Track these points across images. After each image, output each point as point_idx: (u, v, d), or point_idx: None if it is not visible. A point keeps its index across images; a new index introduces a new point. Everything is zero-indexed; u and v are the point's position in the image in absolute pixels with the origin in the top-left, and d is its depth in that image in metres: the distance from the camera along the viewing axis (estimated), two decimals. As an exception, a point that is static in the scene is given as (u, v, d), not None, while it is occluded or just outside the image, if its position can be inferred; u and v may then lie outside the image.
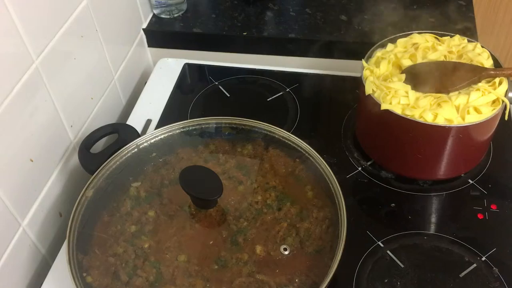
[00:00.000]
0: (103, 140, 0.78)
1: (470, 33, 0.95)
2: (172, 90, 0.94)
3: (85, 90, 0.81)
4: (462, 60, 0.72)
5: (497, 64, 0.72)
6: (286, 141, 0.71)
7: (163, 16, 1.04)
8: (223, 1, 1.08)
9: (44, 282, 0.68)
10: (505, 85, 0.67)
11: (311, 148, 0.68)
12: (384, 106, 0.67)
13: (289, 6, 1.05)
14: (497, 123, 0.70)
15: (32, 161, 0.68)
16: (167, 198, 0.67)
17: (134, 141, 0.72)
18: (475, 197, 0.73)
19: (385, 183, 0.75)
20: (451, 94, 0.68)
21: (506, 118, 0.69)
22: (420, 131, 0.67)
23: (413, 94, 0.68)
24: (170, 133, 0.74)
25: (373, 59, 0.76)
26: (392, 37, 0.77)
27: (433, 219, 0.72)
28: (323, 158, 0.67)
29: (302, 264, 0.60)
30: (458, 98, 0.66)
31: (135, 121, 0.87)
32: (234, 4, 1.07)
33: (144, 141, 0.73)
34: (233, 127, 0.74)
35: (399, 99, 0.67)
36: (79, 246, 0.62)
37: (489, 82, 0.69)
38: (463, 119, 0.65)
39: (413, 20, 0.99)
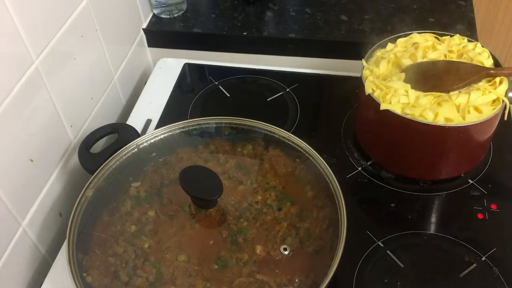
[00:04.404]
0: (103, 140, 0.78)
1: (470, 33, 0.95)
2: (172, 90, 0.94)
3: (85, 90, 0.81)
4: (462, 60, 0.72)
5: (497, 63, 0.72)
6: (286, 141, 0.71)
7: (163, 16, 1.04)
8: (223, 1, 1.08)
9: (44, 282, 0.68)
10: (505, 85, 0.67)
11: (311, 148, 0.68)
12: (383, 106, 0.67)
13: (289, 6, 1.05)
14: (497, 123, 0.70)
15: (32, 161, 0.68)
16: (167, 198, 0.67)
17: (134, 141, 0.72)
18: (475, 197, 0.72)
19: (385, 183, 0.75)
20: (451, 93, 0.68)
21: (506, 118, 0.69)
22: (420, 131, 0.67)
23: (413, 93, 0.68)
24: (170, 133, 0.74)
25: (373, 59, 0.76)
26: (392, 37, 0.77)
27: (433, 219, 0.71)
28: (323, 158, 0.67)
29: (302, 264, 0.59)
30: (459, 98, 0.66)
31: (135, 121, 0.87)
32: (234, 4, 1.07)
33: (144, 141, 0.73)
34: (233, 127, 0.74)
35: (398, 98, 0.67)
36: (79, 246, 0.62)
37: (489, 81, 0.69)
38: (464, 118, 0.65)
39: (413, 20, 0.99)
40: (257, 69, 0.97)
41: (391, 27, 0.98)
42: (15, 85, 0.64)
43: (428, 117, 0.65)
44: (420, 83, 0.69)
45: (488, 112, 0.66)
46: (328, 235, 0.61)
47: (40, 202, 0.71)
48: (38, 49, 0.68)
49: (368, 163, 0.78)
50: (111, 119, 0.91)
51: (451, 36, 0.76)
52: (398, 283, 0.64)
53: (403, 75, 0.70)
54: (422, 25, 0.97)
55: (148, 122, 0.87)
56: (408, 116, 0.66)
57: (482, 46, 0.74)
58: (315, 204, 0.65)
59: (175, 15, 1.04)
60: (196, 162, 0.71)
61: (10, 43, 0.62)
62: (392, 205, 0.72)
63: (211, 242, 0.62)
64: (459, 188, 0.74)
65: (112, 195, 0.67)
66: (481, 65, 0.70)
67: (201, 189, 0.62)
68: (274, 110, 0.88)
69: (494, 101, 0.67)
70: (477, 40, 0.76)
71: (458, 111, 0.66)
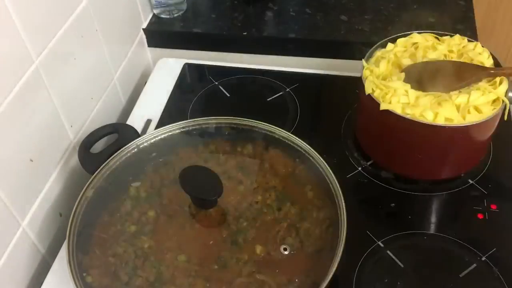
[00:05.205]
0: (103, 140, 0.78)
1: (470, 33, 0.95)
2: (172, 90, 0.94)
3: (85, 90, 0.81)
4: (462, 60, 0.72)
5: (497, 63, 0.72)
6: (286, 141, 0.71)
7: (163, 16, 1.04)
8: (223, 1, 1.08)
9: (44, 282, 0.68)
10: (505, 85, 0.67)
11: (311, 148, 0.68)
12: (383, 106, 0.67)
13: (289, 6, 1.05)
14: (497, 122, 0.70)
15: (32, 161, 0.68)
16: (167, 198, 0.67)
17: (134, 141, 0.72)
18: (475, 197, 0.72)
19: (385, 183, 0.75)
20: (451, 93, 0.68)
21: (506, 118, 0.69)
22: (420, 131, 0.67)
23: (413, 93, 0.68)
24: (170, 133, 0.74)
25: (373, 59, 0.76)
26: (392, 37, 0.77)
27: (433, 219, 0.72)
28: (323, 158, 0.67)
29: (302, 264, 0.60)
30: (459, 97, 0.66)
31: (135, 121, 0.87)
32: (234, 4, 1.07)
33: (144, 141, 0.73)
34: (233, 127, 0.74)
35: (398, 98, 0.67)
36: (79, 246, 0.62)
37: (489, 81, 0.69)
38: (464, 118, 0.65)
39: (413, 20, 0.99)
40: (257, 69, 0.97)
41: (391, 27, 0.98)
42: (15, 85, 0.64)
43: (428, 117, 0.65)
44: (420, 83, 0.69)
45: (488, 112, 0.66)
46: (328, 235, 0.61)
47: (40, 202, 0.71)
48: (38, 49, 0.68)
49: (368, 163, 0.78)
50: (111, 119, 0.91)
51: (451, 36, 0.76)
52: (398, 283, 0.64)
53: (403, 75, 0.70)
54: (422, 25, 0.97)
55: (148, 122, 0.87)
56: (408, 116, 0.66)
57: (482, 46, 0.74)
58: (315, 204, 0.65)
59: (175, 15, 1.04)
60: (196, 162, 0.71)
61: (10, 43, 0.62)
62: (392, 205, 0.72)
63: (211, 242, 0.62)
64: (459, 188, 0.74)
65: (112, 195, 0.67)
66: (481, 65, 0.70)
67: (201, 189, 0.62)
68: (274, 110, 0.88)
69: (494, 101, 0.67)
70: (477, 40, 0.76)
71: (458, 111, 0.66)
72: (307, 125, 0.85)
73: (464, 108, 0.65)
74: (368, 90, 0.69)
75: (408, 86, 0.68)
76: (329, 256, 0.58)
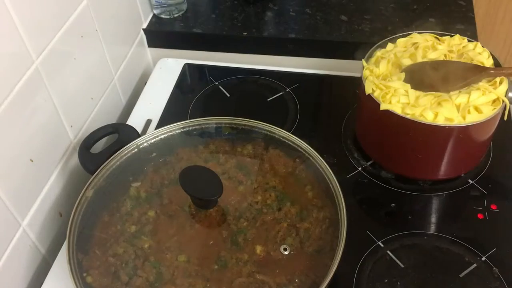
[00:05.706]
0: (103, 140, 0.78)
1: (470, 33, 0.95)
2: (172, 90, 0.94)
3: (85, 90, 0.81)
4: (462, 59, 0.72)
5: (497, 63, 0.72)
6: (286, 141, 0.71)
7: (163, 16, 1.04)
8: (223, 1, 1.08)
9: (44, 282, 0.68)
10: (505, 85, 0.67)
11: (311, 148, 0.68)
12: (383, 106, 0.67)
13: (289, 6, 1.05)
14: (497, 123, 0.70)
15: (32, 161, 0.68)
16: (167, 198, 0.67)
17: (134, 141, 0.72)
18: (475, 197, 0.73)
19: (385, 183, 0.75)
20: (451, 93, 0.68)
21: (506, 118, 0.69)
22: (420, 131, 0.67)
23: (413, 93, 0.68)
24: (170, 133, 0.74)
25: (373, 59, 0.76)
26: (392, 37, 0.77)
27: (433, 219, 0.71)
28: (323, 158, 0.67)
29: (302, 264, 0.59)
30: (459, 97, 0.66)
31: (135, 121, 0.87)
32: (234, 4, 1.07)
33: (144, 141, 0.73)
34: (233, 127, 0.74)
35: (398, 97, 0.67)
36: (79, 246, 0.62)
37: (489, 81, 0.69)
38: (464, 118, 0.65)
39: (413, 20, 0.99)
40: (257, 69, 0.97)
41: (391, 27, 0.98)
42: (15, 85, 0.64)
43: (428, 117, 0.65)
44: (420, 83, 0.69)
45: (488, 112, 0.66)
46: (328, 235, 0.61)
47: (40, 202, 0.71)
48: (38, 49, 0.68)
49: (368, 163, 0.78)
50: (111, 119, 0.91)
51: (451, 36, 0.76)
52: (398, 283, 0.64)
53: (403, 75, 0.70)
54: (422, 25, 0.97)
55: (148, 122, 0.87)
56: (408, 116, 0.66)
57: (482, 46, 0.74)
58: (315, 204, 0.65)
59: (175, 15, 1.04)
60: (196, 162, 0.71)
61: (10, 43, 0.62)
62: (392, 205, 0.72)
63: (211, 242, 0.62)
64: (459, 188, 0.74)
65: (112, 195, 0.67)
66: (481, 65, 0.70)
67: (201, 189, 0.62)
68: (274, 110, 0.88)
69: (494, 101, 0.67)
70: (477, 40, 0.76)
71: (458, 111, 0.66)
72: (307, 125, 0.85)
73: (464, 108, 0.65)
74: (368, 90, 0.69)
75: (408, 86, 0.68)
76: (329, 256, 0.58)
